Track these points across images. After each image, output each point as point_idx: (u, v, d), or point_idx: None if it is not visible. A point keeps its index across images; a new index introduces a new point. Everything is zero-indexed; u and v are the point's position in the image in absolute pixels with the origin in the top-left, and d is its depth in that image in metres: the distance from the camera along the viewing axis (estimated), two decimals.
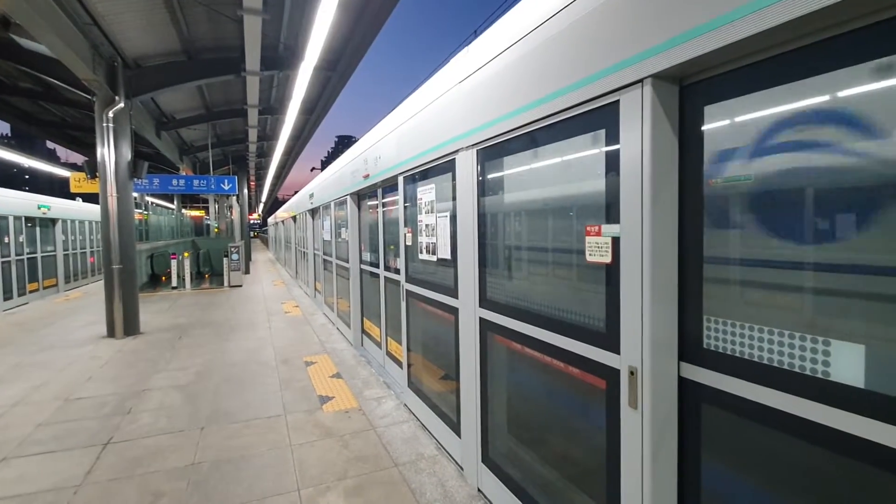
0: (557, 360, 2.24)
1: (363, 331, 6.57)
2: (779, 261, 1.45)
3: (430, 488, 3.00)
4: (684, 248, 1.67)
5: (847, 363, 1.26)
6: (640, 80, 1.64)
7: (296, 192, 15.84)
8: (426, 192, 3.64)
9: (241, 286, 13.83)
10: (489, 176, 2.77)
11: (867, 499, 1.25)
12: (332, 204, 7.65)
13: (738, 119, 1.50)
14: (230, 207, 16.23)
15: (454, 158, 3.10)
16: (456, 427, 3.29)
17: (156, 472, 3.29)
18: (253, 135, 12.31)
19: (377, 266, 5.64)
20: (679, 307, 1.69)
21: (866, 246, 1.23)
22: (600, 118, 1.88)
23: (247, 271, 17.77)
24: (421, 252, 3.80)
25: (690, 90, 1.62)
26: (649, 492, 1.70)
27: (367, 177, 5.32)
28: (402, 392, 4.46)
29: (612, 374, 1.86)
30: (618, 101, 1.76)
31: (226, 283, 13.83)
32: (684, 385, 1.70)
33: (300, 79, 7.19)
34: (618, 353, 1.82)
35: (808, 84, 1.32)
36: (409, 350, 4.26)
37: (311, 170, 50.52)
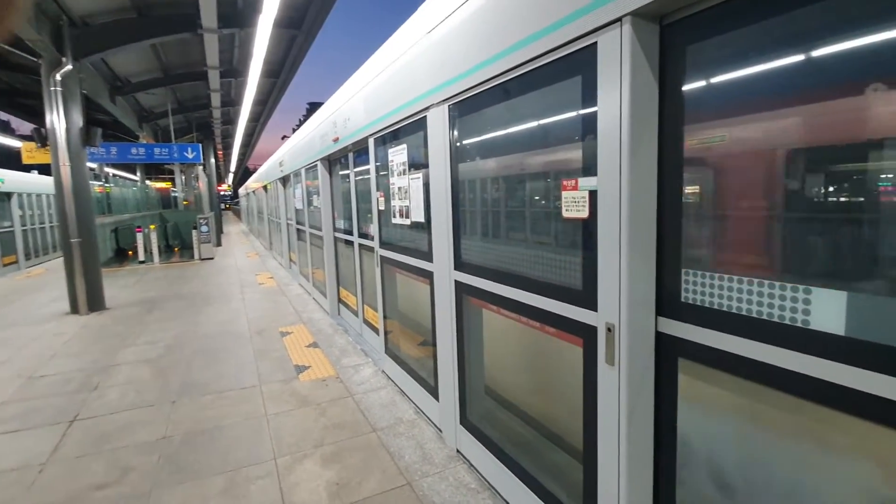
0: (534, 320, 2.20)
1: (339, 300, 6.48)
2: (757, 210, 1.41)
3: (408, 451, 3.00)
4: (663, 200, 1.62)
5: (827, 311, 1.23)
6: (620, 19, 1.53)
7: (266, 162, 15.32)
8: (398, 153, 3.49)
9: (212, 259, 13.46)
10: (462, 133, 2.65)
11: (846, 445, 1.26)
12: (303, 171, 7.39)
13: (724, 61, 1.42)
14: (197, 178, 15.57)
15: (425, 116, 2.96)
16: (434, 391, 3.27)
17: (125, 448, 3.19)
18: (216, 99, 11.68)
19: (351, 233, 5.50)
20: (657, 261, 1.65)
21: (845, 192, 1.19)
22: (577, 64, 1.77)
23: (218, 244, 17.29)
24: (394, 216, 3.69)
25: (671, 29, 1.53)
26: (625, 447, 1.70)
27: (336, 140, 5.10)
28: (380, 359, 4.43)
29: (589, 332, 1.82)
30: (595, 43, 1.65)
31: (196, 256, 13.43)
32: (661, 340, 1.67)
33: (260, 35, 6.74)
34: (595, 310, 1.78)
35: (799, 17, 1.23)
36: (385, 317, 4.20)
37: (283, 138, 48.82)
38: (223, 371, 4.51)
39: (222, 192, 42.16)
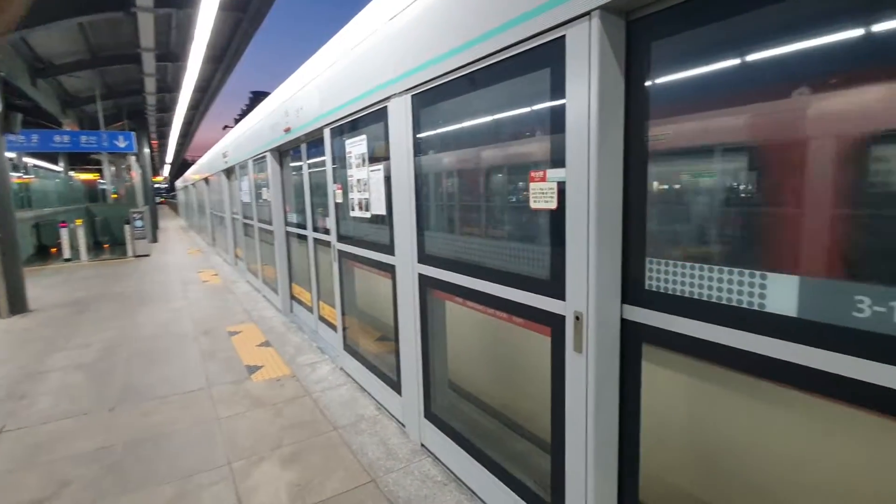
0: (501, 311, 2.21)
1: (292, 296, 6.26)
2: (719, 200, 1.49)
3: (371, 448, 2.95)
4: (628, 191, 1.67)
5: (781, 294, 1.32)
6: (588, 13, 1.56)
7: (206, 153, 14.50)
8: (356, 145, 3.40)
9: (148, 255, 12.62)
10: (426, 124, 2.61)
11: (802, 421, 1.35)
12: (251, 162, 7.05)
13: (687, 57, 1.48)
14: (129, 169, 14.44)
15: (386, 106, 2.89)
16: (396, 385, 3.24)
17: (61, 459, 2.93)
18: (151, 85, 10.88)
19: (304, 227, 5.32)
20: (623, 250, 1.70)
21: (803, 182, 1.28)
22: (545, 56, 1.78)
23: (154, 240, 16.22)
24: (353, 209, 3.59)
25: (637, 25, 1.57)
26: (593, 431, 1.75)
27: (288, 130, 4.90)
28: (338, 356, 4.33)
29: (557, 321, 1.86)
30: (564, 36, 1.67)
31: (130, 253, 12.54)
32: (626, 326, 1.73)
33: (202, 16, 6.33)
34: (563, 299, 1.81)
35: (757, 16, 1.30)
36: (343, 312, 4.10)
37: (224, 128, 46.59)
38: (167, 374, 4.24)
39: (157, 185, 39.57)
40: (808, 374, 1.26)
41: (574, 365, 1.79)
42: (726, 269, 1.43)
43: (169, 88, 12.45)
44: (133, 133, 10.78)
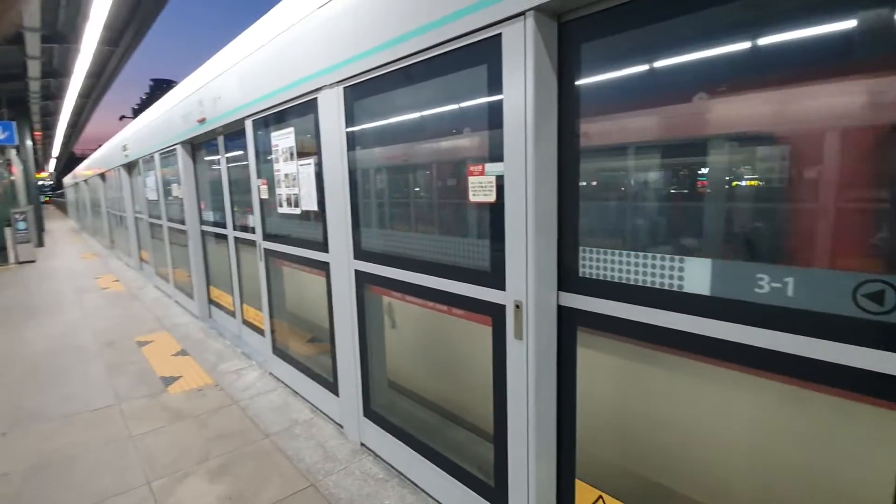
0: (442, 303, 2.24)
1: (210, 300, 5.84)
2: (643, 193, 1.63)
3: (308, 452, 2.85)
4: (563, 184, 1.76)
5: (697, 276, 1.47)
6: (523, 13, 1.62)
7: (101, 146, 13.06)
8: (283, 138, 3.25)
9: (34, 262, 11.14)
10: (361, 115, 2.56)
11: (717, 389, 1.52)
12: (157, 156, 6.47)
13: (612, 58, 1.59)
14: (8, 164, 12.56)
15: (316, 98, 2.80)
16: (332, 386, 3.15)
17: None
18: (35, 69, 9.54)
19: (223, 226, 4.98)
20: (558, 240, 1.79)
21: (704, 177, 1.43)
22: (483, 53, 1.83)
23: (40, 243, 14.32)
24: (280, 205, 3.43)
25: (568, 27, 1.66)
26: (534, 412, 1.83)
27: (203, 121, 4.56)
28: (266, 360, 4.12)
29: (498, 310, 1.92)
30: (500, 34, 1.73)
31: (11, 259, 10.99)
32: (562, 312, 1.83)
33: None
34: (503, 289, 1.87)
35: (680, 23, 1.43)
36: (272, 314, 3.90)
37: (121, 118, 42.15)
38: (68, 392, 3.78)
39: (42, 182, 34.91)
40: (721, 345, 1.41)
41: (515, 351, 1.86)
42: (650, 255, 1.57)
43: (56, 73, 10.98)
44: (14, 123, 9.40)
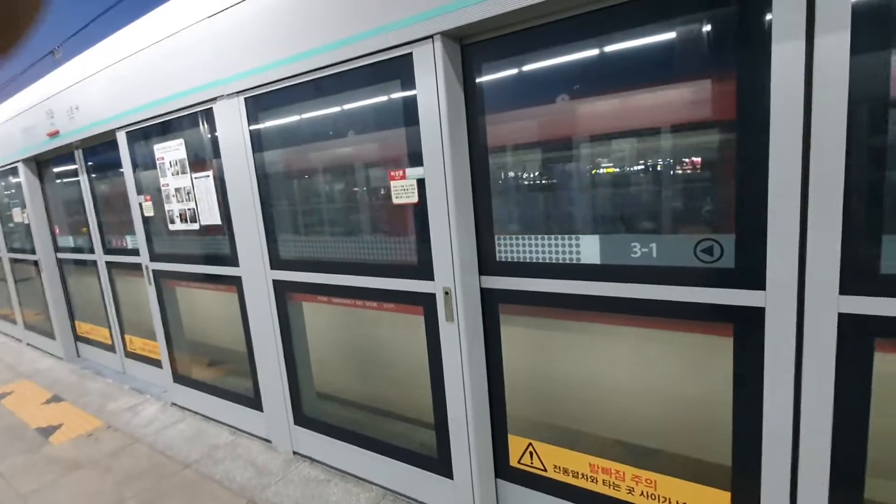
0: (372, 300, 2.37)
1: (77, 337, 5.12)
2: (538, 186, 1.96)
3: (238, 471, 2.77)
4: (475, 180, 2.02)
5: (589, 249, 1.83)
6: (431, 36, 1.84)
7: None
8: (172, 150, 3.06)
9: None
10: (267, 125, 2.56)
11: (606, 343, 1.89)
12: None
13: (505, 73, 1.90)
14: None
15: (211, 108, 2.71)
16: (254, 402, 3.07)
17: None
18: None
19: (89, 251, 4.42)
20: (476, 232, 2.06)
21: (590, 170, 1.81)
22: (395, 68, 2.01)
23: None
24: (172, 222, 3.22)
25: (469, 49, 1.92)
26: (469, 383, 2.08)
27: (55, 134, 4.01)
28: (167, 391, 3.80)
29: (429, 299, 2.12)
30: (411, 53, 1.93)
31: None
32: (485, 294, 2.10)
33: None
34: (432, 279, 2.09)
35: (563, 49, 1.77)
36: (169, 340, 3.62)
37: None
38: None
39: None
40: (610, 301, 1.79)
41: (448, 333, 2.09)
42: (553, 236, 1.90)
43: None
44: None
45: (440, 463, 2.29)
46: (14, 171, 4.96)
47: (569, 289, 1.88)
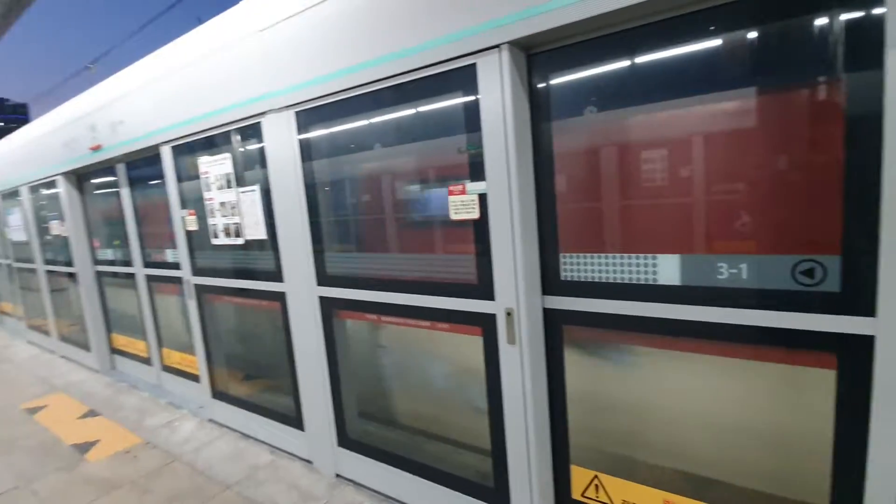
0: (424, 320, 2.28)
1: (113, 350, 5.13)
2: (610, 202, 1.85)
3: (281, 495, 2.68)
4: (541, 197, 1.92)
5: (668, 269, 1.71)
6: (499, 45, 1.77)
7: None
8: (217, 164, 3.03)
9: None
10: (319, 139, 2.51)
11: (685, 372, 1.76)
12: (26, 189, 5.55)
13: (572, 84, 1.81)
14: None
15: (260, 122, 2.68)
16: (295, 422, 2.99)
17: None
18: None
19: (129, 264, 4.44)
20: (540, 250, 1.95)
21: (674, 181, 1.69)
22: (455, 79, 1.94)
23: None
24: (216, 236, 3.19)
25: (536, 58, 1.84)
26: (532, 410, 1.96)
27: (97, 148, 4.05)
28: (204, 407, 3.75)
29: (488, 320, 2.02)
30: (474, 64, 1.85)
31: None
32: (548, 314, 1.99)
33: None
34: (492, 299, 1.98)
35: (633, 61, 1.68)
36: (209, 355, 3.57)
37: None
38: None
39: None
40: (691, 326, 1.66)
41: (509, 355, 1.98)
42: (625, 255, 1.79)
43: None
44: None
45: (497, 493, 2.16)
46: (50, 184, 5.04)
47: (642, 311, 1.76)
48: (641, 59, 1.66)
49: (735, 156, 1.57)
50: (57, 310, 5.78)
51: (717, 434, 1.77)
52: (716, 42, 1.53)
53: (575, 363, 2.00)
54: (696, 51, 1.57)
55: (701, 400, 1.79)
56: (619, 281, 1.80)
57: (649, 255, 1.74)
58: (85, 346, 5.26)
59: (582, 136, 1.85)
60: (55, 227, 5.25)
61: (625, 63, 1.69)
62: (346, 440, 2.73)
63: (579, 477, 2.05)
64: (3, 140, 6.02)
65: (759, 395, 1.66)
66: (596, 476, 2.01)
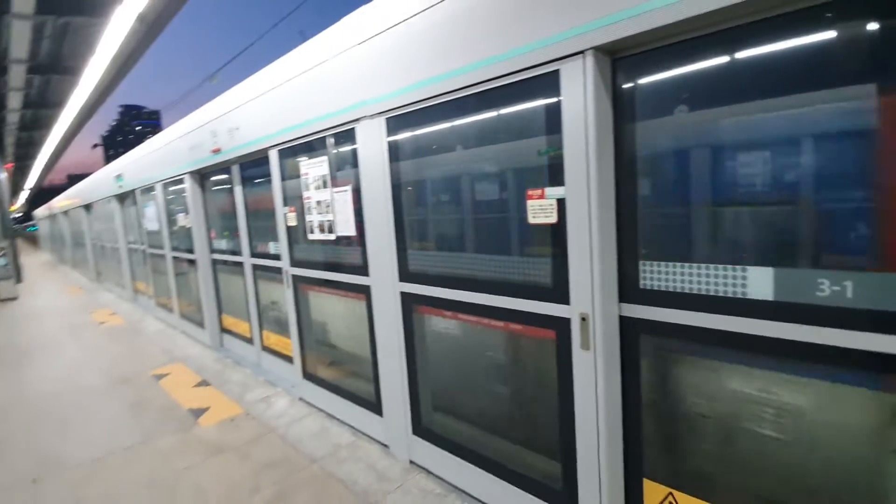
0: (498, 320, 2.33)
1: (222, 329, 5.79)
2: (697, 208, 1.77)
3: (360, 474, 2.88)
4: (620, 203, 1.89)
5: (760, 283, 1.60)
6: (583, 51, 1.77)
7: (71, 177, 12.72)
8: (315, 166, 3.32)
9: (15, 298, 10.76)
10: (405, 143, 2.66)
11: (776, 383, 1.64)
12: (159, 186, 6.43)
13: (659, 89, 1.76)
14: None
15: (354, 127, 2.90)
16: (375, 407, 3.19)
17: None
18: (16, 100, 9.38)
19: (238, 253, 4.99)
20: (618, 256, 1.92)
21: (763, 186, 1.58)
22: (536, 86, 1.97)
23: (19, 279, 13.83)
24: (311, 231, 3.49)
25: (621, 62, 1.82)
26: (604, 417, 1.93)
27: (217, 151, 4.59)
28: (296, 386, 4.12)
29: (562, 323, 2.02)
30: (557, 70, 1.87)
31: None
32: (624, 322, 1.95)
33: (114, 28, 5.60)
34: (567, 303, 1.99)
35: (720, 63, 1.61)
36: (301, 339, 3.92)
37: (94, 146, 41.42)
38: (90, 434, 3.70)
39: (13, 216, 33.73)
40: (783, 345, 1.54)
41: (582, 361, 1.97)
42: (711, 265, 1.70)
43: (38, 104, 10.77)
44: None
45: (565, 497, 2.16)
46: (177, 182, 5.79)
47: (729, 325, 1.66)
48: (741, 56, 1.57)
49: (848, 160, 1.44)
50: (179, 291, 6.63)
51: (800, 457, 1.63)
52: (825, 37, 1.41)
53: (652, 373, 1.94)
54: (804, 45, 1.46)
55: (791, 423, 1.66)
56: (703, 292, 1.72)
57: (738, 267, 1.64)
58: (200, 324, 5.99)
59: (671, 139, 1.79)
60: (181, 219, 6.04)
61: (722, 60, 1.61)
62: (420, 429, 2.86)
63: (652, 492, 1.98)
64: (144, 144, 7.02)
65: (865, 422, 1.51)
66: (671, 493, 1.94)
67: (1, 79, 8.03)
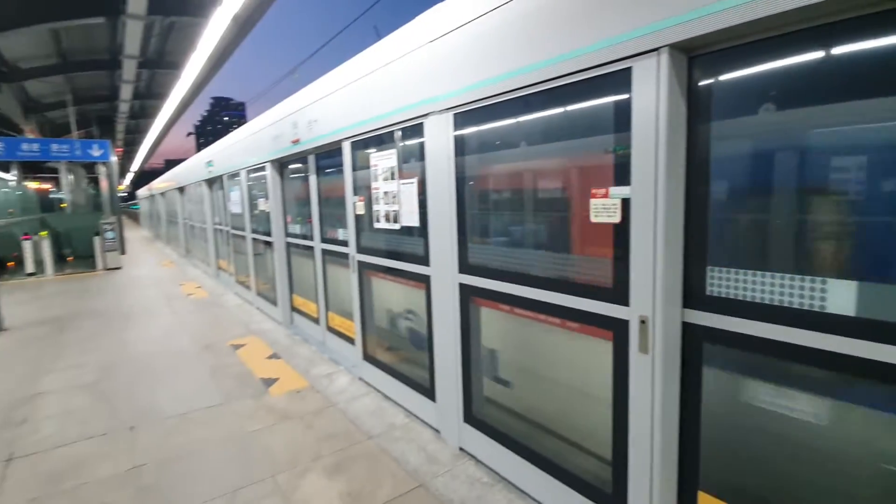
0: (555, 317, 2.34)
1: (293, 308, 6.21)
2: (772, 214, 1.68)
3: (412, 455, 3.02)
4: (689, 206, 1.84)
5: (840, 297, 1.51)
6: (657, 49, 1.73)
7: (168, 161, 14.02)
8: (384, 158, 3.48)
9: (119, 268, 12.11)
10: (470, 139, 2.73)
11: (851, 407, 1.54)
12: (244, 172, 6.97)
13: (737, 90, 1.68)
14: (96, 179, 13.82)
15: (422, 122, 3.00)
16: (429, 392, 3.31)
17: (87, 484, 2.84)
18: (127, 92, 10.54)
19: (309, 238, 5.32)
20: (684, 260, 1.87)
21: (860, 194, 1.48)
22: (607, 84, 1.95)
23: (123, 251, 15.55)
24: (377, 220, 3.66)
25: (697, 61, 1.76)
26: (659, 423, 1.90)
27: (296, 142, 4.91)
28: (356, 366, 4.35)
29: (620, 325, 2.01)
30: (629, 68, 1.84)
31: (99, 266, 11.99)
32: (687, 329, 1.90)
33: (213, 27, 6.17)
34: (627, 304, 1.96)
35: (799, 62, 1.52)
36: (363, 322, 4.14)
37: (188, 135, 45.15)
38: (179, 392, 4.15)
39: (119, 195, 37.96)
40: (867, 365, 1.44)
41: (639, 365, 1.94)
42: (787, 275, 1.62)
43: (142, 95, 12.04)
44: (109, 142, 10.37)
45: (614, 501, 2.15)
46: (259, 169, 6.25)
47: (804, 340, 1.57)
48: (833, 55, 1.48)
49: None
50: (256, 270, 7.18)
51: (871, 481, 1.52)
52: None
53: (715, 381, 1.88)
54: None
55: (864, 445, 1.55)
56: (775, 303, 1.64)
57: (817, 279, 1.55)
58: (273, 302, 6.46)
59: (752, 140, 1.72)
60: (261, 204, 6.52)
61: (811, 58, 1.52)
62: (471, 418, 2.95)
63: None
64: (232, 133, 7.63)
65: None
66: None
67: (116, 72, 9.05)
